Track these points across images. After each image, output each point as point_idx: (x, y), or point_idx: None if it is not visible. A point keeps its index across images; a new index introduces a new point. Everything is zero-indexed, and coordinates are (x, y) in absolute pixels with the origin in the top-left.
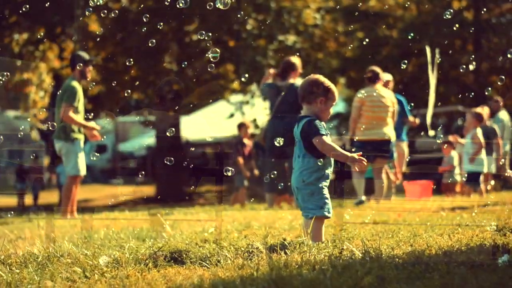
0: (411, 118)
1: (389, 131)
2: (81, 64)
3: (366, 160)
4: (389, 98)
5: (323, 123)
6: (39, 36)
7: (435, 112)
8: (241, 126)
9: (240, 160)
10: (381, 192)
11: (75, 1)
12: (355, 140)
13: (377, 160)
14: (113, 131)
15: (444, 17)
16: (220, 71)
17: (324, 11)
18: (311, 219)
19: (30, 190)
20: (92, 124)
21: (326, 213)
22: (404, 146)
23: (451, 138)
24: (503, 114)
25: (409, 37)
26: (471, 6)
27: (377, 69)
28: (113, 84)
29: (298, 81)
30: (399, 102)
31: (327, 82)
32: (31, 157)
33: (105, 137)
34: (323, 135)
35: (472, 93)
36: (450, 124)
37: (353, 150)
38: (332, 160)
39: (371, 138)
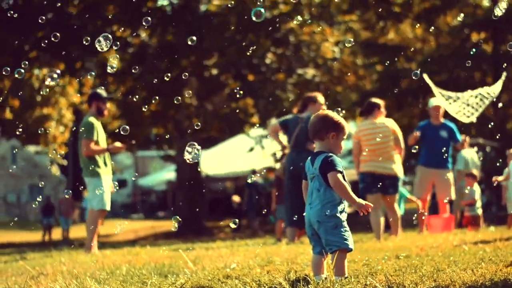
0: (463, 139)
1: (391, 164)
2: (98, 102)
3: (370, 208)
4: (387, 127)
5: (340, 159)
6: (59, 71)
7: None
8: (276, 156)
9: (273, 192)
10: (396, 227)
11: (95, 36)
12: (359, 173)
13: (384, 196)
14: (133, 165)
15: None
16: (239, 105)
17: (343, 45)
18: (334, 252)
19: (60, 224)
20: (115, 144)
21: (350, 246)
22: (449, 175)
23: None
24: None
25: (415, 74)
26: (489, 38)
27: (375, 100)
28: (134, 119)
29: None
30: (449, 128)
31: (336, 117)
32: (64, 193)
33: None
34: (339, 172)
35: (491, 124)
36: None
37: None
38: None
39: (373, 170)
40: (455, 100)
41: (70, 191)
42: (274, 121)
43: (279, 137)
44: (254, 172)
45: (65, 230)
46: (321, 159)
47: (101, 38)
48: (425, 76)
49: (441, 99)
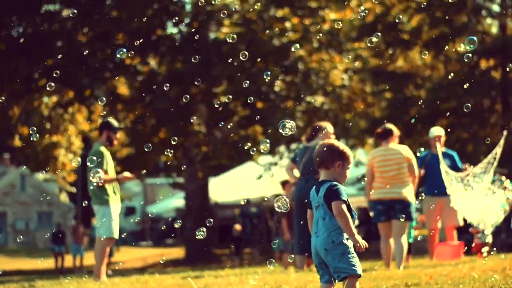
0: (465, 166)
1: (404, 189)
2: (109, 131)
3: (366, 247)
4: (401, 154)
5: (344, 188)
6: (69, 98)
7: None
8: (285, 184)
9: (284, 221)
10: (400, 257)
11: (104, 64)
12: (369, 201)
13: (394, 222)
14: (142, 193)
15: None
16: (248, 133)
17: (352, 72)
18: (344, 280)
19: (71, 252)
20: (124, 174)
21: (359, 271)
22: None
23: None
24: None
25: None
26: (498, 65)
27: (389, 126)
28: (144, 147)
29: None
30: (450, 157)
31: (341, 146)
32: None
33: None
34: (344, 201)
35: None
36: None
37: (370, 214)
38: (355, 218)
39: (383, 197)
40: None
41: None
42: (286, 162)
43: (293, 174)
44: (248, 202)
45: (77, 258)
46: (326, 187)
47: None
48: (443, 168)
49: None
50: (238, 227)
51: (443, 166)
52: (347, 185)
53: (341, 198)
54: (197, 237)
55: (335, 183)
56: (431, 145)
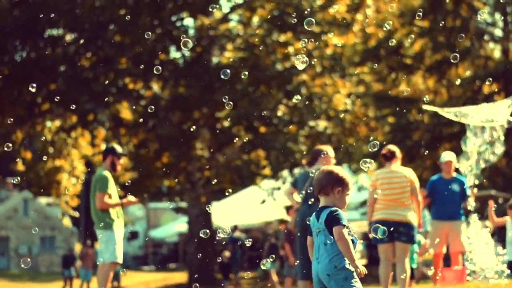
0: (472, 192)
1: (406, 211)
2: (113, 157)
3: (365, 273)
4: (405, 177)
5: (345, 213)
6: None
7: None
8: (290, 209)
9: (287, 246)
10: (404, 281)
11: (107, 89)
12: (371, 222)
13: (397, 244)
14: (145, 217)
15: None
16: (251, 157)
17: (355, 97)
18: None
19: (80, 276)
20: (128, 198)
21: None
22: (462, 227)
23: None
24: None
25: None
26: (501, 89)
27: (392, 147)
28: (145, 171)
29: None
30: (460, 182)
31: (341, 172)
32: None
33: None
34: (344, 226)
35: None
36: (483, 209)
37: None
38: (356, 244)
39: (386, 218)
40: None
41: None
42: (287, 186)
43: (293, 198)
44: (235, 228)
45: (85, 282)
46: (327, 213)
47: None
48: (426, 106)
49: (449, 115)
50: (227, 253)
51: (439, 110)
52: (350, 210)
53: (342, 224)
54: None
55: (336, 208)
56: (442, 169)
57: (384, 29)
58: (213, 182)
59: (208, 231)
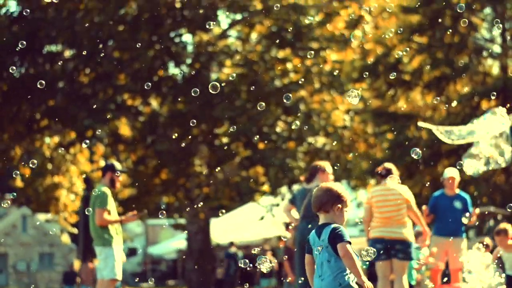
0: (475, 211)
1: (402, 229)
2: (112, 173)
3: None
4: (401, 195)
5: (346, 230)
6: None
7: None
8: (289, 226)
9: (286, 263)
10: None
11: (106, 105)
12: (368, 239)
13: (394, 261)
14: (144, 234)
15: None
16: (250, 174)
17: (353, 113)
18: None
19: None
20: (128, 214)
21: None
22: (463, 244)
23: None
24: None
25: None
26: (499, 106)
27: (388, 165)
28: (144, 188)
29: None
30: (463, 199)
31: (340, 189)
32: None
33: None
34: (348, 242)
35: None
36: (482, 225)
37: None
38: (359, 260)
39: (384, 236)
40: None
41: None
42: (285, 203)
43: (291, 215)
44: (231, 244)
45: None
46: (329, 230)
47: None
48: (422, 123)
49: (441, 136)
50: (219, 270)
51: (433, 128)
52: (349, 226)
53: (346, 240)
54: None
55: (338, 225)
56: (444, 186)
57: (387, 36)
58: (212, 198)
59: (247, 261)
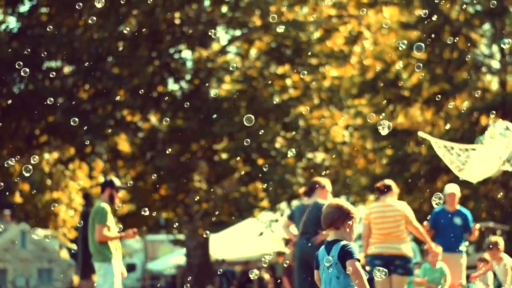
0: (476, 226)
1: (400, 244)
2: (111, 189)
3: None
4: (399, 211)
5: (356, 246)
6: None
7: None
8: (288, 242)
9: (285, 279)
10: None
11: (105, 121)
12: (366, 255)
13: (393, 277)
14: (143, 249)
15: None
16: (249, 190)
17: (352, 129)
18: None
19: None
20: (127, 231)
21: None
22: (463, 260)
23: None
24: None
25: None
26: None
27: (388, 182)
28: (143, 203)
29: (322, 200)
30: (463, 215)
31: (349, 206)
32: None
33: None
34: (358, 260)
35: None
36: (481, 242)
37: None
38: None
39: (382, 252)
40: (450, 150)
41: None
42: (284, 219)
43: (290, 231)
44: (223, 261)
45: None
46: (339, 247)
47: None
48: (421, 133)
49: (441, 151)
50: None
51: (432, 140)
52: None
53: (355, 257)
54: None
55: (347, 242)
56: (445, 201)
57: (401, 48)
58: (211, 213)
59: (257, 271)
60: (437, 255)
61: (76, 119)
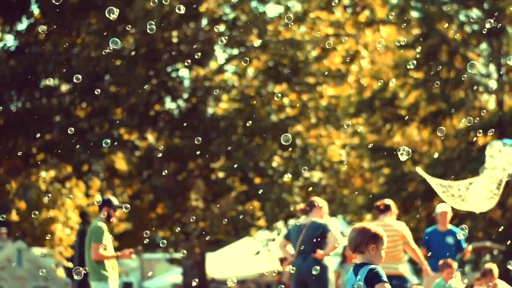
0: (468, 248)
1: (398, 264)
2: (109, 208)
3: None
4: (397, 231)
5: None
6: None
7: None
8: (284, 260)
9: None
10: None
11: (102, 139)
12: None
13: None
14: (139, 268)
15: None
16: (246, 208)
17: (350, 148)
18: None
19: None
20: (123, 251)
21: None
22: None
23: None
24: None
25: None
26: (495, 140)
27: (388, 201)
28: (139, 222)
29: (319, 219)
30: (455, 235)
31: (373, 228)
32: None
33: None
34: (386, 282)
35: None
36: (478, 261)
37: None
38: None
39: None
40: (448, 188)
41: None
42: (281, 238)
43: (287, 251)
44: (213, 280)
45: None
46: (367, 271)
47: None
48: (419, 169)
49: (438, 189)
50: None
51: (430, 179)
52: None
53: (383, 280)
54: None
55: (374, 266)
56: (437, 221)
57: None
58: (208, 233)
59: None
60: (452, 272)
61: (73, 139)
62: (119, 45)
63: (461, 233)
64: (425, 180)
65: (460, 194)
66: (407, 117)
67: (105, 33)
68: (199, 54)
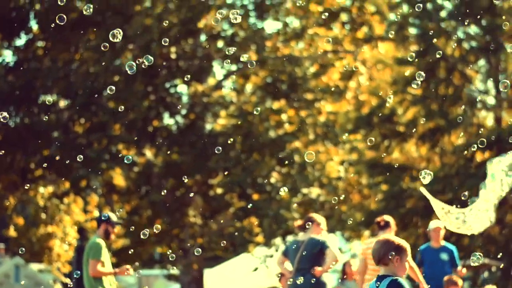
0: (459, 268)
1: None
2: (107, 225)
3: None
4: None
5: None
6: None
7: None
8: (282, 276)
9: None
10: None
11: (100, 155)
12: None
13: None
14: (137, 284)
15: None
16: (244, 225)
17: (348, 164)
18: None
19: None
20: (121, 268)
21: None
22: None
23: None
24: None
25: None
26: (494, 157)
27: (387, 217)
28: (140, 237)
29: (317, 236)
30: (449, 251)
31: (396, 240)
32: None
33: None
34: None
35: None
36: (476, 277)
37: None
38: None
39: None
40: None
41: None
42: (278, 255)
43: (285, 267)
44: None
45: None
46: (388, 282)
47: None
48: (423, 190)
49: (440, 212)
50: None
51: (432, 200)
52: None
53: None
54: None
55: (397, 277)
56: (430, 238)
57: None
58: (206, 249)
59: None
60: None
61: (71, 155)
62: (134, 70)
63: (475, 258)
64: (424, 196)
65: (463, 219)
66: (405, 133)
67: (103, 49)
68: (197, 71)
